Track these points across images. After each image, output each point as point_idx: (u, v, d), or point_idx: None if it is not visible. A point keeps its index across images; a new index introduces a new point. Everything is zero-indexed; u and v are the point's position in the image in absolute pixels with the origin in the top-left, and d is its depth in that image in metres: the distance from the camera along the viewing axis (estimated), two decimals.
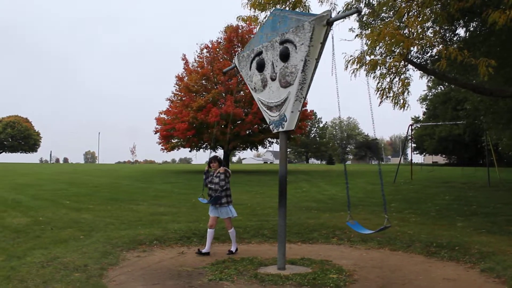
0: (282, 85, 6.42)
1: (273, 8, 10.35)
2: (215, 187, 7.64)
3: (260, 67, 6.84)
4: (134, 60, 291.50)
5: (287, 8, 10.44)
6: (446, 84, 27.31)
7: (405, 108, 10.00)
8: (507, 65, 12.49)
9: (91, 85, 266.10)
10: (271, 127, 6.76)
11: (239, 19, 10.97)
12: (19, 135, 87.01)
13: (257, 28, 11.01)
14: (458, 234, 8.65)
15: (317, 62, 6.07)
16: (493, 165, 24.58)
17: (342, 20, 11.25)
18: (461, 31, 13.23)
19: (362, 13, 11.65)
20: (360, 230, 5.70)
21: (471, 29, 12.90)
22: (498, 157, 36.87)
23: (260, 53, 6.87)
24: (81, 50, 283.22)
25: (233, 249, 7.71)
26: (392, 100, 10.44)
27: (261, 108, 6.97)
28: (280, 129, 6.56)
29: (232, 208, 7.70)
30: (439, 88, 48.33)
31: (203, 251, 7.53)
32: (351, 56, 9.89)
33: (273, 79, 6.59)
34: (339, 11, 11.27)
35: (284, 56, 6.34)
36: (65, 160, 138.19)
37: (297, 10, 10.46)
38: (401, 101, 10.09)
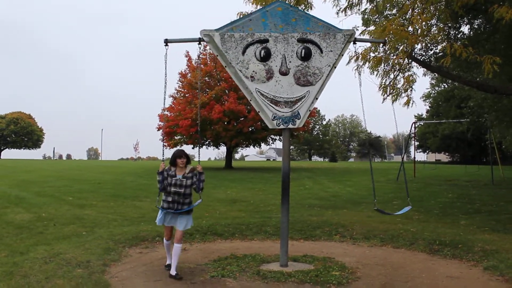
0: (300, 83, 6.49)
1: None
2: (184, 191, 6.14)
3: (265, 57, 6.50)
4: (138, 57, 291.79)
5: (291, 4, 10.35)
6: (450, 81, 27.23)
7: (410, 105, 9.97)
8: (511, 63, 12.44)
9: (94, 81, 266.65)
10: (274, 122, 6.51)
11: (240, 15, 10.79)
12: (22, 131, 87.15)
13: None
14: (461, 232, 8.62)
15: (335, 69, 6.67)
16: (496, 163, 24.50)
17: (345, 17, 11.37)
18: (465, 29, 13.19)
19: (366, 10, 11.62)
20: (385, 213, 7.58)
21: (475, 26, 12.86)
22: (502, 155, 36.79)
23: (264, 41, 6.52)
24: (85, 47, 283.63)
25: (176, 271, 5.97)
26: (393, 96, 10.41)
27: (258, 99, 6.50)
28: (291, 126, 6.56)
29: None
30: (442, 86, 48.25)
31: (169, 265, 6.22)
32: (354, 51, 9.87)
33: (284, 74, 6.48)
34: (340, 8, 11.21)
35: (307, 55, 6.49)
36: (68, 156, 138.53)
37: (301, 7, 10.38)
38: (405, 98, 10.06)
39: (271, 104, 6.52)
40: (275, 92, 6.49)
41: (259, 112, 6.68)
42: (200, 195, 6.36)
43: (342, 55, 6.65)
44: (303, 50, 6.48)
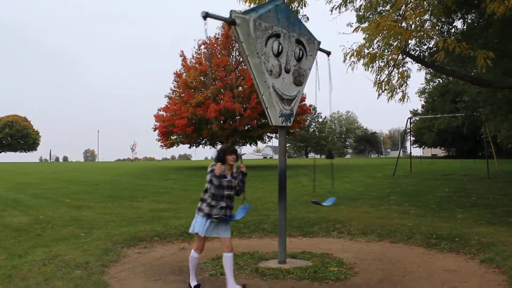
0: (296, 83, 6.61)
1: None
2: (234, 193, 5.47)
3: (280, 52, 6.34)
4: (134, 58, 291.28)
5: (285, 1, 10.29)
6: (444, 76, 27.32)
7: (405, 100, 10.00)
8: (505, 57, 12.49)
9: (90, 83, 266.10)
10: (280, 119, 6.41)
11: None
12: (17, 134, 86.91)
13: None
14: (458, 226, 8.68)
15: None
16: (492, 157, 24.62)
17: (338, 14, 11.41)
18: (458, 23, 13.24)
19: (361, 6, 11.61)
20: (320, 204, 6.91)
21: (469, 21, 12.90)
22: (497, 148, 36.94)
23: (278, 35, 6.34)
24: (81, 48, 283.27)
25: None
26: (389, 93, 10.43)
27: (272, 95, 6.26)
28: (288, 124, 6.60)
29: None
30: (437, 81, 48.41)
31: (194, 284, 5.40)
32: (349, 48, 9.88)
33: (288, 71, 6.48)
34: (334, 5, 11.27)
35: (300, 57, 6.68)
36: (65, 158, 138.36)
37: (294, 4, 10.38)
38: (400, 93, 10.10)
39: (279, 101, 6.41)
40: (282, 89, 6.40)
41: (267, 108, 6.41)
42: (245, 198, 5.66)
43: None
44: (300, 51, 6.63)
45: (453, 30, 12.98)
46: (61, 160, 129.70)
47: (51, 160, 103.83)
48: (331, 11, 11.30)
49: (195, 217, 5.39)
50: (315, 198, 7.87)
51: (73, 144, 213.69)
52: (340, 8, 11.08)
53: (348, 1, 10.97)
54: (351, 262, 6.45)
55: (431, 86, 53.88)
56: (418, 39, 11.21)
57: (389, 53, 10.02)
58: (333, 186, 7.37)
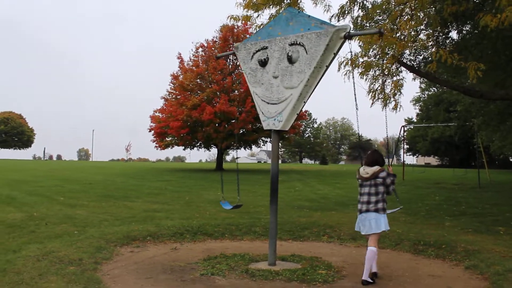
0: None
1: (264, 8, 10.41)
2: None
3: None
4: (132, 58, 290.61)
5: (282, 9, 10.46)
6: (438, 86, 27.57)
7: (397, 109, 10.17)
8: (497, 69, 12.70)
9: (87, 81, 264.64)
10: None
11: (230, 18, 10.77)
12: (12, 131, 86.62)
13: (253, 27, 11.01)
14: (445, 233, 8.83)
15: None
16: (483, 167, 24.84)
17: (337, 23, 11.51)
18: (453, 34, 13.44)
19: (359, 16, 11.78)
20: (226, 207, 7.99)
21: (464, 32, 13.10)
22: (489, 158, 37.22)
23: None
24: (79, 47, 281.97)
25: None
26: (383, 101, 10.61)
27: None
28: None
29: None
30: (431, 90, 48.71)
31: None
32: (344, 57, 10.06)
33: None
34: (333, 14, 11.38)
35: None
36: (59, 157, 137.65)
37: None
38: (393, 102, 10.27)
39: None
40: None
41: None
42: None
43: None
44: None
45: (448, 41, 13.17)
46: (54, 159, 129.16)
47: (45, 158, 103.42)
48: (330, 20, 11.45)
49: (381, 217, 6.05)
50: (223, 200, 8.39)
51: (67, 143, 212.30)
52: (338, 18, 11.22)
53: (346, 12, 11.12)
54: (340, 266, 6.58)
55: (426, 95, 54.24)
56: (413, 49, 11.41)
57: (385, 62, 10.19)
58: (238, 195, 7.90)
